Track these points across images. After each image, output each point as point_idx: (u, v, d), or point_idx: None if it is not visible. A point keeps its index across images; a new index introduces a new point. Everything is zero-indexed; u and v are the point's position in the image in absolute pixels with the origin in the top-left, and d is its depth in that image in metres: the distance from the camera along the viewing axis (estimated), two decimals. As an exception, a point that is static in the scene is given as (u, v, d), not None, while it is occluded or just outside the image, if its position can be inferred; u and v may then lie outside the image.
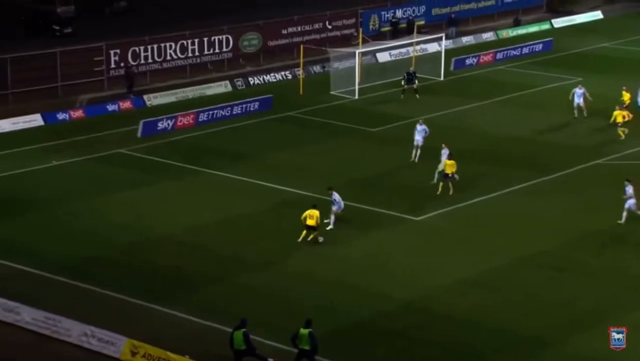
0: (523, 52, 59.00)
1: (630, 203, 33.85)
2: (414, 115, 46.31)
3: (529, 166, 39.67)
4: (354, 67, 51.13)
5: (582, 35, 64.25)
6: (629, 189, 34.13)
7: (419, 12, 65.08)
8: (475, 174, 37.67)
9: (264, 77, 53.84)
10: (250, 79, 53.41)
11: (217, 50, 55.71)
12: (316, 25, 59.55)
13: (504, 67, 56.30)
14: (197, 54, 54.92)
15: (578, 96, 45.34)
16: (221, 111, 46.84)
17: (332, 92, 50.57)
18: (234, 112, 47.08)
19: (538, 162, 40.04)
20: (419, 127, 40.66)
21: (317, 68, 55.15)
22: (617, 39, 62.60)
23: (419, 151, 40.07)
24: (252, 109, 47.62)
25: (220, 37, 55.83)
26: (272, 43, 58.08)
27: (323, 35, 59.54)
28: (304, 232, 32.34)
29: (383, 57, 57.58)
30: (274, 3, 69.19)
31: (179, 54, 54.29)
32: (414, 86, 49.24)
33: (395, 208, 35.44)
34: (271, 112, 47.48)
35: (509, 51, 58.70)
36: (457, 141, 42.66)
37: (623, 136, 42.29)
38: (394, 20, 63.07)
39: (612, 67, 53.84)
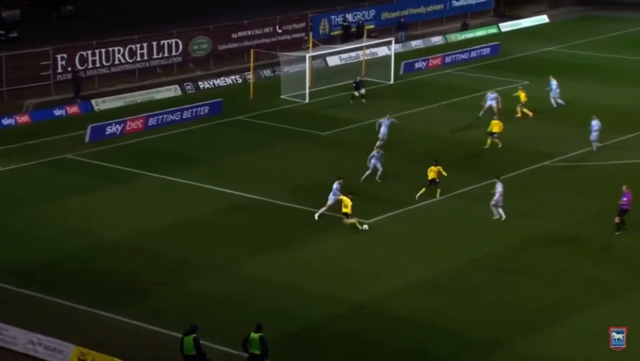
0: (471, 56, 59.45)
1: (497, 199, 34.58)
2: (365, 119, 46.45)
3: (477, 169, 39.86)
4: (304, 71, 51.16)
5: (528, 40, 64.91)
6: (499, 187, 34.70)
7: (368, 16, 65.28)
8: (425, 177, 37.71)
9: (214, 81, 53.55)
10: (200, 83, 53.08)
11: (166, 55, 55.28)
12: (266, 29, 59.43)
13: (452, 70, 56.64)
14: (146, 58, 54.45)
15: (490, 99, 46.11)
16: (171, 115, 46.48)
17: (282, 96, 50.54)
18: (184, 117, 46.74)
19: (486, 165, 40.24)
20: (385, 120, 40.81)
21: (267, 72, 55.07)
22: (561, 43, 63.33)
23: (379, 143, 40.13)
24: (202, 113, 47.32)
25: (169, 41, 55.43)
26: (222, 47, 57.80)
27: (273, 39, 59.47)
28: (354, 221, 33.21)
29: (333, 61, 57.70)
30: (224, 7, 68.93)
31: (128, 58, 53.77)
32: (360, 92, 49.41)
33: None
34: (221, 117, 47.25)
35: (457, 55, 59.11)
36: (406, 144, 42.89)
37: (499, 145, 41.66)
38: (344, 24, 63.13)
39: (557, 70, 54.20)
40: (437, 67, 57.09)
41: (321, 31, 62.11)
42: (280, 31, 60.00)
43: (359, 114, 47.54)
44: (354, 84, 49.96)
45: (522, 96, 47.18)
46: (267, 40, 59.17)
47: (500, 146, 41.87)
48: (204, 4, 72.53)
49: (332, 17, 63.29)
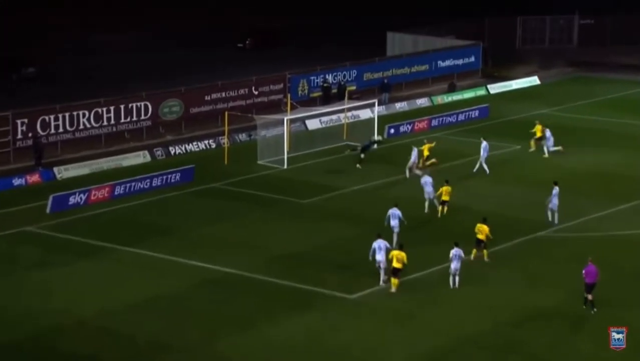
0: (459, 119, 59.68)
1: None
2: (347, 185, 46.31)
3: (467, 239, 39.62)
4: (283, 135, 51.11)
5: (518, 102, 65.34)
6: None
7: (350, 76, 65.61)
8: (415, 245, 37.38)
9: (186, 146, 53.38)
10: (170, 148, 52.89)
11: (134, 118, 55.14)
12: (241, 91, 59.54)
13: (439, 134, 56.77)
14: (112, 122, 54.28)
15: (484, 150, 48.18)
16: (139, 183, 46.14)
17: (259, 162, 50.50)
18: (154, 184, 46.43)
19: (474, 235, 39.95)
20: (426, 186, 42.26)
21: (243, 136, 55.07)
22: (554, 105, 63.76)
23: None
24: (173, 180, 47.05)
25: (138, 104, 55.34)
26: (194, 110, 57.76)
27: (249, 101, 59.57)
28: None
29: (313, 124, 57.87)
30: (196, 67, 69.09)
31: (93, 123, 53.57)
32: (363, 155, 49.83)
33: (328, 285, 35.05)
34: (194, 184, 46.99)
35: (444, 118, 59.34)
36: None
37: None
38: (324, 85, 63.38)
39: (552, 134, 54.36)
40: (423, 131, 57.23)
41: (300, 92, 62.34)
42: (256, 93, 60.15)
43: (342, 180, 47.36)
44: (364, 145, 50.22)
45: (539, 130, 51.76)
46: (243, 103, 59.20)
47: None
48: (174, 64, 72.78)
49: (312, 77, 63.57)
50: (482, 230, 36.55)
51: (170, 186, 46.61)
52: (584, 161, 50.98)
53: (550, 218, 40.91)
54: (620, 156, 51.92)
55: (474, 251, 36.70)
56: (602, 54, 79.94)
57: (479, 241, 36.82)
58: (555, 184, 40.92)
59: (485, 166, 48.28)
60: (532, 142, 52.30)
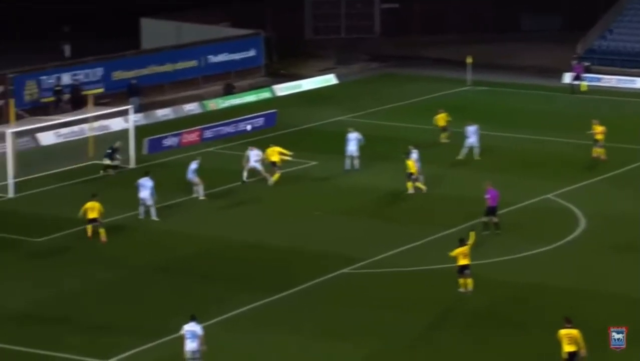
0: (239, 129, 59.78)
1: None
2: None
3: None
4: (4, 153, 49.98)
5: (312, 106, 66.37)
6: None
7: (94, 76, 64.87)
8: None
9: None
10: None
11: None
12: (-58, 95, 58.12)
13: (214, 149, 56.55)
14: None
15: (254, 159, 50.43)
16: None
17: (-27, 190, 49.51)
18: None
19: (262, 278, 40.33)
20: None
21: (-53, 157, 53.49)
22: (355, 111, 64.75)
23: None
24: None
25: None
26: None
27: (-45, 109, 58.38)
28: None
29: (47, 138, 57.11)
30: None
31: None
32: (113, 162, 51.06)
33: (74, 349, 34.39)
34: None
35: (220, 128, 59.29)
36: (160, 252, 42.37)
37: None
38: (56, 88, 62.42)
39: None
40: (194, 145, 56.88)
41: (27, 98, 61.33)
42: (-35, 99, 58.89)
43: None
44: (108, 151, 51.39)
45: (442, 119, 57.56)
46: (-54, 112, 58.01)
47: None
48: None
49: (43, 77, 62.66)
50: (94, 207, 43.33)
51: None
52: (387, 179, 51.79)
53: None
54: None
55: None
56: (410, 45, 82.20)
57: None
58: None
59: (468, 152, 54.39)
60: (442, 135, 57.43)
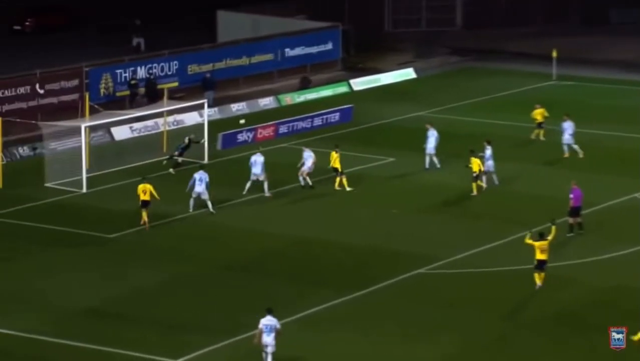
0: (315, 125, 59.96)
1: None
2: (171, 213, 45.96)
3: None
4: (80, 147, 50.41)
5: (389, 101, 66.20)
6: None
7: (169, 70, 65.32)
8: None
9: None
10: None
11: None
12: (21, 90, 58.63)
13: (288, 144, 56.78)
14: None
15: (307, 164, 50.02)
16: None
17: (47, 184, 50.04)
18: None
19: (338, 277, 40.64)
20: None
21: (25, 150, 54.43)
22: (433, 106, 64.63)
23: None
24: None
25: None
26: (-46, 115, 56.31)
27: (32, 103, 58.85)
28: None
29: (121, 133, 57.54)
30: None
31: None
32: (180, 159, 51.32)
33: (144, 347, 34.77)
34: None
35: (295, 123, 59.48)
36: (228, 250, 42.92)
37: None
38: (131, 82, 63.00)
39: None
40: (268, 140, 57.16)
41: (102, 92, 61.79)
42: (42, 92, 59.44)
43: (158, 207, 46.65)
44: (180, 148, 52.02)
45: (539, 114, 57.32)
46: (24, 105, 58.55)
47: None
48: None
49: (118, 71, 63.11)
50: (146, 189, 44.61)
51: None
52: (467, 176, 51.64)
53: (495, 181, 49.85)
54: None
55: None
56: (493, 38, 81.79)
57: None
58: (489, 143, 49.78)
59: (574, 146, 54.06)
60: (537, 132, 57.21)
